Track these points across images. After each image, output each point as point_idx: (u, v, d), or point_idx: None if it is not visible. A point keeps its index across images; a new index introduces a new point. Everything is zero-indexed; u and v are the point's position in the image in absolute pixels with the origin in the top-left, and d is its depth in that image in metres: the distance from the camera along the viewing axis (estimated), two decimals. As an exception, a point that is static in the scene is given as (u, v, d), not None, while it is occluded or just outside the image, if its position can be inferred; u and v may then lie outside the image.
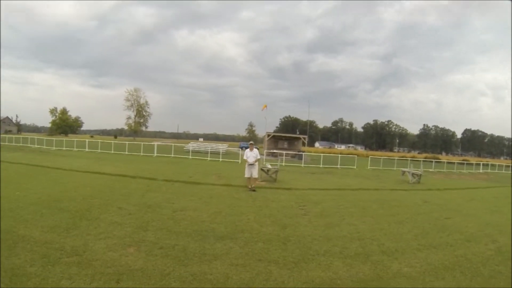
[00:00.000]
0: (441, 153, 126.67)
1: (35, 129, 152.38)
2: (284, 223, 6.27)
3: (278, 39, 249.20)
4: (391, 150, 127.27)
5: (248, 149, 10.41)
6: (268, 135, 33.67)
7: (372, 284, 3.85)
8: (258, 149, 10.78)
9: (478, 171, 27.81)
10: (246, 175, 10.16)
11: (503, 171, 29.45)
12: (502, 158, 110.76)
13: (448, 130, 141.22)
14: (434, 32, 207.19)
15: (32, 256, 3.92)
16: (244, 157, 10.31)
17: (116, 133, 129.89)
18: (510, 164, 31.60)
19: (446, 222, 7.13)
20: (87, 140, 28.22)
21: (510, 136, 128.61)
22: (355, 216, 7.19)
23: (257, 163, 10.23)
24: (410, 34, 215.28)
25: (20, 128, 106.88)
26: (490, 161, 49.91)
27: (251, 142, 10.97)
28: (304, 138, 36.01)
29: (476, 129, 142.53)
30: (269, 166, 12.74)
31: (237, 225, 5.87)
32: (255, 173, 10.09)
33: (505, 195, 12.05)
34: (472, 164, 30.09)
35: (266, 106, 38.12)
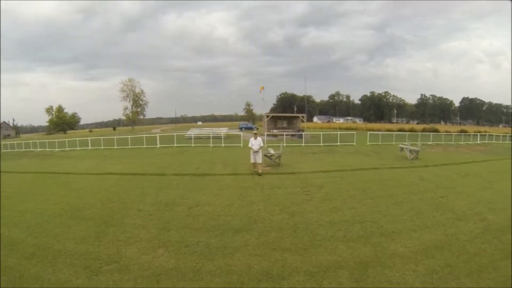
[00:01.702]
0: (439, 122, 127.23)
1: (32, 130, 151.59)
2: (292, 210, 6.87)
3: (268, 15, 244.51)
4: (390, 121, 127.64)
5: (252, 138, 11.52)
6: (267, 116, 34.03)
7: (371, 264, 4.44)
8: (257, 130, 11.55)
9: (476, 142, 28.42)
10: (252, 160, 11.45)
11: (501, 141, 30.06)
12: (500, 126, 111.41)
13: (446, 99, 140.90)
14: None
15: (75, 269, 4.32)
16: (249, 145, 11.52)
17: (114, 124, 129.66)
18: (510, 134, 32.00)
19: (440, 201, 7.70)
20: (89, 138, 28.34)
21: (508, 103, 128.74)
22: (356, 199, 7.77)
23: (260, 150, 11.37)
24: (403, 2, 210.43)
25: (18, 131, 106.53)
26: (488, 130, 50.52)
27: (255, 132, 12.15)
28: (303, 117, 36.36)
29: (474, 97, 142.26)
30: (272, 152, 13.25)
31: (250, 216, 6.46)
32: (259, 159, 11.34)
33: (500, 169, 12.61)
34: (470, 135, 30.60)
35: (263, 88, 38.18)
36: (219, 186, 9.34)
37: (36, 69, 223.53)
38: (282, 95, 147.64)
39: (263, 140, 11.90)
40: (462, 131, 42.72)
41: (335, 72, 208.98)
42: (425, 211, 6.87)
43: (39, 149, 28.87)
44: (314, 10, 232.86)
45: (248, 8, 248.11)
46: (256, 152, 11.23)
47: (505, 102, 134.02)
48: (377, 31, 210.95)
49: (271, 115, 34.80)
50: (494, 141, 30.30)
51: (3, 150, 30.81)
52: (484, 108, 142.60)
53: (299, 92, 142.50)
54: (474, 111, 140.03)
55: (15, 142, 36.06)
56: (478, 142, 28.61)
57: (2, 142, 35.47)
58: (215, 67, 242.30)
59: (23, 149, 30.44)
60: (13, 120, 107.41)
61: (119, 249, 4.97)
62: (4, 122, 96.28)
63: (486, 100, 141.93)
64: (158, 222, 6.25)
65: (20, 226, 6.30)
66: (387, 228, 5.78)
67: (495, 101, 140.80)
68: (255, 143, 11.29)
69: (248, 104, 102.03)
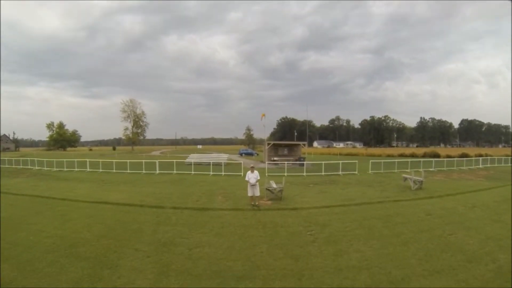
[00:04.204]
0: (439, 145, 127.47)
1: (32, 144, 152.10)
2: (296, 254, 6.60)
3: (268, 39, 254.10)
4: (390, 145, 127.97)
5: (249, 171, 11.58)
6: (268, 144, 34.06)
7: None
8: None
9: (478, 166, 28.23)
10: (249, 194, 11.47)
11: (503, 164, 29.86)
12: (500, 146, 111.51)
13: (445, 121, 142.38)
14: (425, 23, 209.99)
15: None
16: (246, 179, 11.57)
17: (114, 143, 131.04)
18: (511, 156, 31.79)
19: (449, 239, 7.45)
20: (87, 160, 28.16)
21: (506, 124, 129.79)
22: (361, 239, 7.50)
23: (258, 183, 11.41)
24: (400, 26, 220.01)
25: (18, 144, 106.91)
26: (489, 151, 50.37)
27: (252, 165, 12.23)
28: (304, 144, 36.43)
29: (472, 118, 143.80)
30: (274, 186, 13.08)
31: (252, 261, 6.19)
32: (257, 192, 11.39)
33: (505, 198, 12.36)
34: (471, 160, 30.45)
35: (264, 115, 38.71)
36: (220, 223, 9.08)
37: (38, 83, 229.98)
38: (282, 120, 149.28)
39: (264, 168, 11.76)
40: (463, 154, 42.65)
41: (335, 96, 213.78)
42: (434, 252, 6.62)
43: (37, 167, 28.49)
44: (313, 34, 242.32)
45: (248, 31, 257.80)
46: (254, 185, 11.28)
47: (504, 122, 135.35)
48: (376, 55, 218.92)
49: (272, 142, 34.81)
50: (496, 164, 30.12)
51: (1, 166, 30.23)
52: (483, 129, 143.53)
53: (299, 116, 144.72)
54: (474, 133, 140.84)
55: (13, 158, 35.34)
56: (480, 166, 28.42)
57: (1, 157, 34.72)
58: (215, 90, 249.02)
59: (21, 166, 29.96)
60: (14, 133, 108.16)
61: (115, 299, 4.71)
62: (4, 135, 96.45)
63: (484, 120, 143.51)
64: (156, 265, 5.98)
65: (10, 261, 6.10)
66: (395, 275, 5.51)
67: (493, 121, 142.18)
68: (252, 176, 11.36)
69: (249, 129, 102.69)
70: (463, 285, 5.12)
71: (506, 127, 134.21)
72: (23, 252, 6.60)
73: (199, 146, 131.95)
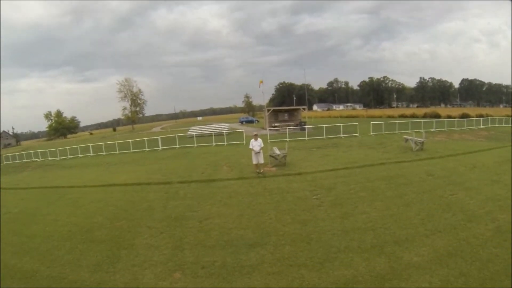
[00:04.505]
0: (440, 105, 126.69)
1: (32, 136, 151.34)
2: (304, 218, 6.88)
3: (259, 5, 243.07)
4: (390, 106, 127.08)
5: (253, 139, 11.65)
6: (268, 110, 33.88)
7: (387, 278, 4.47)
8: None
9: (479, 126, 28.31)
10: (254, 162, 11.64)
11: (503, 125, 29.87)
12: (501, 106, 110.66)
13: (445, 81, 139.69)
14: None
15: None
16: (250, 147, 11.68)
17: (114, 125, 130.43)
18: (511, 117, 31.65)
19: (450, 199, 7.67)
20: (90, 145, 27.97)
21: (507, 83, 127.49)
22: (366, 201, 7.76)
23: (262, 151, 11.56)
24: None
25: (18, 138, 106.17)
26: (490, 111, 50.19)
27: (255, 133, 12.19)
28: (304, 109, 36.25)
29: (473, 78, 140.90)
30: (277, 152, 13.23)
31: (262, 228, 6.47)
32: (261, 159, 11.58)
33: (505, 159, 12.48)
34: (472, 120, 30.40)
35: (262, 82, 37.97)
36: (227, 193, 9.33)
37: (30, 74, 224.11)
38: (280, 85, 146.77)
39: (266, 135, 11.80)
40: (464, 114, 42.50)
41: (332, 59, 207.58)
42: (435, 212, 6.86)
43: (40, 159, 28.34)
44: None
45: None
46: (258, 153, 11.41)
47: (505, 81, 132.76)
48: (372, 15, 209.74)
49: (271, 108, 34.61)
50: (497, 125, 30.15)
51: (5, 162, 30.08)
52: (484, 88, 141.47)
53: (297, 80, 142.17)
54: (474, 92, 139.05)
55: (16, 153, 34.99)
56: (481, 126, 28.49)
57: (3, 154, 34.53)
58: (210, 60, 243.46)
59: (25, 160, 29.73)
60: (13, 128, 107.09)
61: (135, 276, 4.97)
62: (4, 131, 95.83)
63: (485, 80, 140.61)
64: (170, 240, 6.22)
65: (31, 253, 6.28)
66: (399, 235, 5.79)
67: (494, 81, 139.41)
68: (256, 144, 11.44)
69: (247, 96, 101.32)
70: (464, 243, 5.35)
71: (507, 87, 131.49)
72: (42, 244, 6.75)
73: (199, 118, 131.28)
